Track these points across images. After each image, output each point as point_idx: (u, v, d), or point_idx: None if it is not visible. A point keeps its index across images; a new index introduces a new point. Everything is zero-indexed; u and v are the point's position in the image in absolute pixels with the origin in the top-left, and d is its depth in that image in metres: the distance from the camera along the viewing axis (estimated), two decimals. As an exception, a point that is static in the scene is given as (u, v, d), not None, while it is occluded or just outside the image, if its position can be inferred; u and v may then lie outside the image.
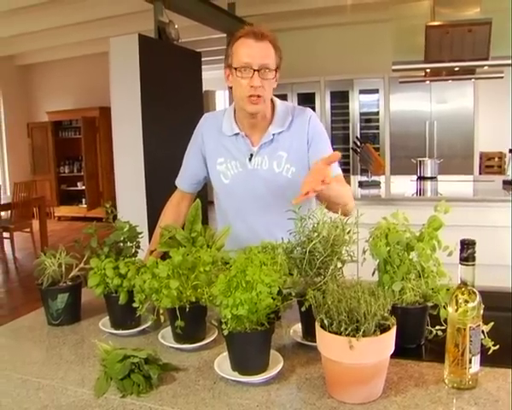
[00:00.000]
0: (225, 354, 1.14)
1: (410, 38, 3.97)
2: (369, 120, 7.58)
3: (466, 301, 1.00)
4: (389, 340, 0.96)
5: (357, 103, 7.54)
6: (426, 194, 4.30)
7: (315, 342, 1.20)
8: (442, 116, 6.67)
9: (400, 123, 7.09)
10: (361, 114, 7.58)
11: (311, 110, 1.76)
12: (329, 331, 0.96)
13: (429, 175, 4.69)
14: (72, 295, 1.44)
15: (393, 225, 1.21)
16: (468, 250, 1.01)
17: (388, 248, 1.19)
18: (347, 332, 0.93)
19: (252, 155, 1.71)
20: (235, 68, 1.58)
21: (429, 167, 4.73)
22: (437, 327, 1.22)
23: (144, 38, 4.49)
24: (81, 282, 1.49)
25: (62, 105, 8.92)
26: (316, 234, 1.19)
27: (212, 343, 1.27)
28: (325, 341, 0.97)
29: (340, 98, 7.67)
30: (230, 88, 1.67)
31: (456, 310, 1.01)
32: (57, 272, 1.46)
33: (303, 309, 1.12)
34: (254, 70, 1.55)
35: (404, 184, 4.42)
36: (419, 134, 6.90)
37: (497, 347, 1.09)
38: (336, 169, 1.76)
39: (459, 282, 1.03)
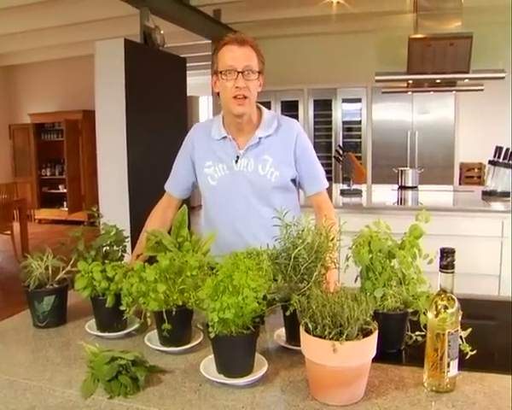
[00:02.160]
0: (211, 356, 1.17)
1: (393, 49, 4.06)
2: (351, 128, 7.69)
3: (445, 308, 1.04)
4: (371, 344, 1.00)
5: (340, 112, 7.64)
6: (406, 203, 4.38)
7: (298, 346, 1.23)
8: (423, 126, 6.81)
9: (382, 132, 7.20)
10: (343, 122, 7.69)
11: (298, 124, 1.86)
12: (313, 335, 0.99)
13: (410, 184, 4.77)
14: (58, 298, 1.45)
15: (376, 233, 1.25)
16: (447, 258, 1.05)
17: (371, 255, 1.23)
18: (331, 336, 0.96)
19: (238, 158, 1.77)
20: (221, 72, 1.67)
21: (410, 177, 4.80)
22: (416, 333, 1.26)
23: (130, 43, 4.49)
24: (67, 285, 1.50)
25: (45, 107, 8.83)
26: (300, 241, 1.22)
27: (197, 347, 1.29)
28: (309, 344, 1.00)
29: (323, 107, 7.76)
30: (218, 94, 1.74)
31: (436, 316, 1.05)
32: (44, 274, 1.46)
33: (287, 314, 1.15)
34: (238, 72, 1.64)
35: (385, 193, 4.49)
36: (400, 144, 7.01)
37: (475, 352, 1.14)
38: (322, 184, 1.84)
39: (439, 289, 1.07)
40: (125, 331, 1.39)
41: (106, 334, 1.37)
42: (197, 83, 8.68)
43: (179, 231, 1.50)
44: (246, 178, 1.77)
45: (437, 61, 3.57)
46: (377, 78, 3.88)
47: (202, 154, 1.83)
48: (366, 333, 1.00)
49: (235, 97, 1.67)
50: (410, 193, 4.66)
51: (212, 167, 1.80)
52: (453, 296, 1.06)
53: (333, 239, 1.26)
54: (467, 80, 3.70)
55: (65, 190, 8.75)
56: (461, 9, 3.50)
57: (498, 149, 4.14)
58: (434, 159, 6.76)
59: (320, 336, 0.98)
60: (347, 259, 1.27)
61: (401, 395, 1.05)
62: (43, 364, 1.22)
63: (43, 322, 1.44)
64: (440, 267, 1.06)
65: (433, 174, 6.19)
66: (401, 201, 4.44)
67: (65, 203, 8.80)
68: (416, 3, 3.89)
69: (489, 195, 4.09)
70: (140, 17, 4.95)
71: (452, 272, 1.05)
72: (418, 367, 1.15)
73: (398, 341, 1.25)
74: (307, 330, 1.01)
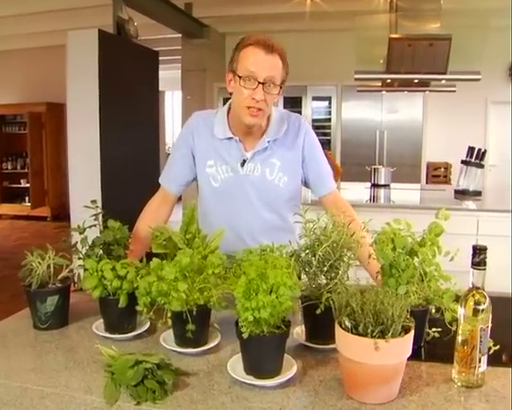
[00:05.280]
0: (235, 357, 1.14)
1: (369, 48, 4.10)
2: (320, 126, 7.74)
3: (477, 304, 1.05)
4: (411, 341, 0.99)
5: (310, 110, 7.67)
6: (379, 201, 4.46)
7: (320, 344, 1.23)
8: (392, 126, 6.92)
9: (351, 131, 7.27)
10: (313, 120, 7.72)
11: (305, 121, 1.76)
12: (352, 333, 0.97)
13: (383, 183, 4.85)
14: (61, 298, 1.37)
15: (398, 230, 1.25)
16: (480, 256, 1.05)
17: (394, 252, 1.22)
18: (374, 334, 0.94)
19: (244, 161, 1.68)
20: (240, 77, 1.53)
21: (383, 175, 4.89)
22: (433, 329, 1.27)
23: (104, 34, 4.35)
24: (70, 283, 1.42)
25: (6, 98, 8.44)
26: (324, 238, 1.20)
27: (215, 347, 1.25)
28: (348, 343, 0.98)
29: (293, 104, 7.75)
30: (230, 93, 1.62)
31: (468, 312, 1.05)
32: (45, 273, 1.38)
33: (318, 312, 1.13)
34: (259, 82, 1.51)
35: (358, 191, 4.55)
36: (369, 142, 7.10)
37: (498, 347, 1.15)
38: (329, 185, 1.77)
39: (470, 285, 1.07)
40: (136, 333, 1.33)
41: (116, 335, 1.31)
42: (163, 77, 8.53)
43: (188, 227, 1.45)
44: (251, 183, 1.68)
45: (416, 62, 3.63)
46: (356, 76, 3.91)
47: (204, 150, 1.72)
48: (404, 330, 0.99)
49: (248, 107, 1.53)
50: (382, 191, 4.74)
51: (215, 167, 1.70)
52: (484, 293, 1.06)
53: (352, 235, 1.25)
54: (444, 81, 3.78)
55: (27, 185, 8.39)
56: (440, 11, 3.57)
57: (470, 150, 4.27)
58: (402, 158, 6.87)
59: (360, 334, 0.96)
60: (369, 256, 1.26)
61: (434, 392, 1.05)
62: (54, 369, 1.15)
63: (46, 324, 1.36)
64: (472, 264, 1.07)
65: (401, 173, 6.27)
66: (374, 198, 4.51)
67: (27, 198, 8.47)
68: (392, 4, 3.95)
69: (461, 194, 4.21)
70: (113, 8, 4.80)
71: (484, 269, 1.06)
72: (440, 363, 1.17)
73: (420, 337, 1.25)
74: (344, 329, 1.00)
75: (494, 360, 1.13)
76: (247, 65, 1.51)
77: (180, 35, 7.10)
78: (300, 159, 1.71)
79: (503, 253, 3.29)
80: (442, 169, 6.75)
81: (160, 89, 9.90)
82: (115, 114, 4.53)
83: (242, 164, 1.68)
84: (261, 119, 1.59)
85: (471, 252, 1.06)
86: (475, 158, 4.19)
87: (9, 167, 8.59)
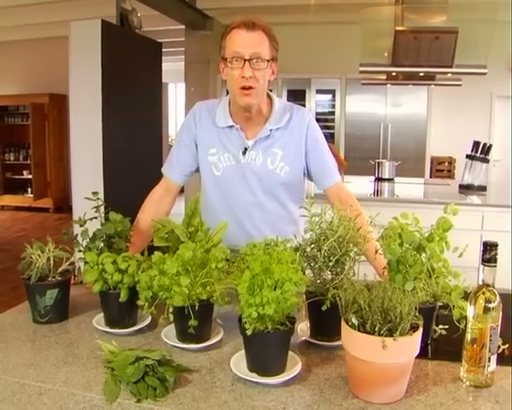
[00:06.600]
0: (238, 353, 1.11)
1: (374, 40, 4.04)
2: (324, 119, 7.69)
3: (488, 302, 1.02)
4: (419, 339, 0.96)
5: (314, 103, 7.63)
6: (383, 195, 4.43)
7: (325, 341, 1.20)
8: (396, 119, 6.87)
9: (355, 124, 7.23)
10: (317, 113, 7.67)
11: (309, 113, 1.75)
12: (360, 331, 0.95)
13: (387, 177, 4.82)
14: (61, 291, 1.35)
15: (406, 225, 1.22)
16: (491, 252, 1.02)
17: (402, 248, 1.19)
18: (382, 332, 0.91)
19: (246, 149, 1.67)
20: (227, 59, 1.55)
21: (387, 169, 4.86)
22: (440, 326, 1.24)
23: (107, 25, 4.31)
24: (71, 277, 1.40)
25: (9, 89, 8.41)
26: (330, 232, 1.17)
27: (218, 343, 1.22)
28: (355, 341, 0.96)
29: (297, 97, 7.71)
30: (226, 82, 1.63)
31: (478, 310, 1.02)
32: (45, 266, 1.36)
33: (323, 308, 1.10)
34: (245, 60, 1.52)
35: (362, 185, 4.51)
36: (373, 136, 7.06)
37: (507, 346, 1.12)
38: (334, 177, 1.74)
39: (480, 283, 1.04)
40: (137, 327, 1.31)
41: (116, 330, 1.29)
42: (166, 69, 8.48)
43: (191, 220, 1.43)
44: (253, 172, 1.67)
45: (421, 55, 3.58)
46: (361, 69, 3.86)
47: (206, 139, 1.71)
48: (412, 328, 0.96)
49: (240, 88, 1.54)
50: (386, 185, 4.70)
51: (217, 156, 1.69)
52: (495, 290, 1.03)
53: (359, 230, 1.22)
54: (449, 75, 3.73)
55: (30, 176, 8.36)
56: (446, 4, 3.51)
57: (476, 144, 4.22)
58: (406, 152, 6.83)
59: (368, 333, 0.93)
60: (376, 251, 1.23)
61: (442, 391, 1.02)
62: (54, 364, 1.12)
63: (45, 318, 1.34)
64: (483, 261, 1.04)
65: (405, 167, 6.24)
66: (378, 192, 4.48)
67: (29, 189, 8.45)
68: (399, -4, 3.89)
69: (466, 188, 4.16)
70: (116, -2, 4.75)
71: (495, 266, 1.03)
72: (447, 361, 1.14)
73: (427, 335, 1.22)
74: (351, 326, 0.97)
75: (502, 359, 1.11)
76: (232, 47, 1.54)
77: (184, 27, 7.04)
78: (303, 150, 1.69)
79: (507, 248, 3.26)
80: (446, 164, 6.70)
81: (164, 81, 9.86)
82: (118, 106, 4.50)
83: (244, 152, 1.67)
84: (255, 97, 1.57)
85: (481, 248, 1.03)
86: (480, 153, 4.13)
87: (12, 158, 8.57)
